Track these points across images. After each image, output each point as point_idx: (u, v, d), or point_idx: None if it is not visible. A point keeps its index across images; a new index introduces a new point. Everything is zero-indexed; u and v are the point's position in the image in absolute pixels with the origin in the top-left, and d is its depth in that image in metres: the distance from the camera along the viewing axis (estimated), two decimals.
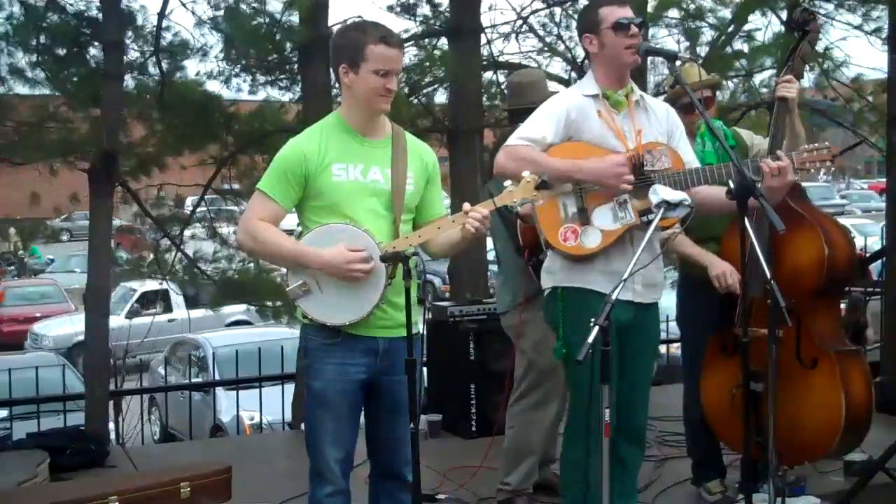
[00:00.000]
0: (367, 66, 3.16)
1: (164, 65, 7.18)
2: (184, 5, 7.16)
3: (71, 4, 6.90)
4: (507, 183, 3.20)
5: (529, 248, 4.29)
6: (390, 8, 8.47)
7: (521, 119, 4.49)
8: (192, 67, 7.62)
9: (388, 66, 3.17)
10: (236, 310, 16.08)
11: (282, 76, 7.74)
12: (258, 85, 7.70)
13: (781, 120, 4.04)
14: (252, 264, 7.87)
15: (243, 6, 6.95)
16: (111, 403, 7.19)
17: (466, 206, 3.15)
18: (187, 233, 8.19)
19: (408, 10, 8.51)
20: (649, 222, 3.38)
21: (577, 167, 3.43)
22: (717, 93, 4.68)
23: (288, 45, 7.17)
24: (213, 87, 7.62)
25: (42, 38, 6.77)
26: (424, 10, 8.53)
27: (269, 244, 3.23)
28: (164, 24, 7.10)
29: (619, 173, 3.40)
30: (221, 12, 7.03)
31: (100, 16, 6.70)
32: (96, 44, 6.80)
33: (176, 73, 7.40)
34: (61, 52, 6.85)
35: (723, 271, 4.12)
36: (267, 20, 7.00)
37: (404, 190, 3.26)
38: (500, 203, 3.15)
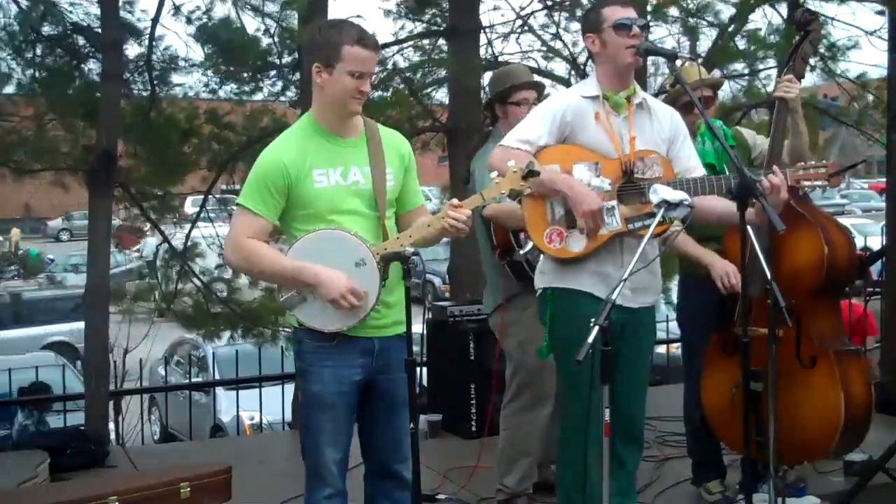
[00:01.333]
0: (342, 67, 3.13)
1: (154, 81, 7.22)
2: (177, 8, 7.19)
3: (70, 13, 6.93)
4: (493, 174, 3.19)
5: (501, 247, 4.29)
6: (389, 12, 8.46)
7: (494, 114, 4.51)
8: (183, 85, 7.67)
9: (363, 68, 3.14)
10: (55, 329, 15.75)
11: (275, 84, 7.77)
12: (247, 93, 7.73)
13: (782, 120, 4.04)
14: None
15: (236, 16, 6.99)
16: (111, 403, 7.19)
17: (455, 201, 3.15)
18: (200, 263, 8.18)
19: (407, 13, 8.49)
20: (636, 229, 3.38)
21: (562, 181, 3.40)
22: (719, 92, 4.67)
23: (281, 50, 7.19)
24: (204, 97, 7.67)
25: (38, 49, 6.80)
26: (425, 12, 8.52)
27: (260, 261, 3.19)
28: (157, 32, 7.15)
29: (591, 213, 3.34)
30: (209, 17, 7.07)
31: (94, 23, 6.73)
32: (92, 52, 6.83)
33: (165, 90, 7.43)
34: (57, 63, 6.88)
35: (726, 272, 4.11)
36: (263, 21, 7.04)
37: (386, 187, 3.24)
38: (488, 196, 3.13)
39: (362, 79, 3.15)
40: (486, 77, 8.51)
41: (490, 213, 4.03)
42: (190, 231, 8.10)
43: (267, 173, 3.18)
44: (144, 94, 7.31)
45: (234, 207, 3.31)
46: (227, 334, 8.04)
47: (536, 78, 4.87)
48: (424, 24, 8.51)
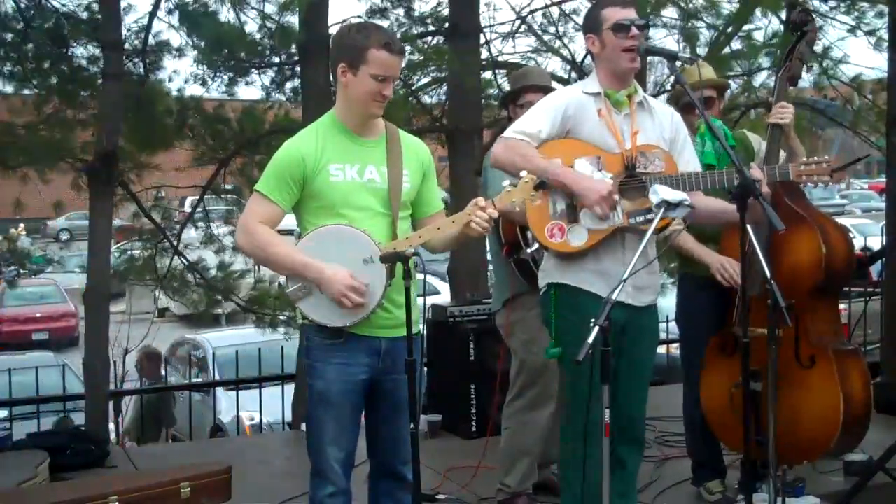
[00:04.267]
0: (366, 70, 3.17)
1: (148, 67, 7.23)
2: (178, 8, 7.19)
3: (63, 5, 6.93)
4: (506, 183, 3.20)
5: (509, 245, 4.29)
6: (372, 11, 8.43)
7: (510, 104, 4.51)
8: (177, 69, 7.71)
9: (387, 72, 3.18)
10: None
11: (268, 76, 7.78)
12: (241, 84, 7.76)
13: (775, 145, 4.06)
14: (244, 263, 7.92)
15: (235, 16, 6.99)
16: (111, 403, 7.19)
17: (481, 201, 3.16)
18: (186, 238, 8.18)
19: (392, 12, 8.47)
20: (638, 224, 3.38)
21: (567, 175, 3.40)
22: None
23: (276, 46, 7.19)
24: (196, 90, 7.70)
25: (30, 39, 6.81)
26: (418, 11, 8.51)
27: (269, 250, 3.23)
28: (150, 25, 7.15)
29: (602, 199, 3.34)
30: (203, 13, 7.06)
31: (85, 14, 6.73)
32: (81, 42, 6.83)
33: (158, 75, 7.47)
34: (46, 49, 6.87)
35: (721, 263, 4.12)
36: (264, 23, 7.04)
37: (401, 188, 3.27)
38: (499, 204, 3.16)
39: (385, 83, 3.19)
40: (485, 77, 8.56)
41: (503, 208, 4.01)
42: (183, 226, 8.10)
43: (284, 163, 3.23)
44: (137, 77, 7.31)
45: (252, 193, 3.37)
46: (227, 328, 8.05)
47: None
48: (418, 21, 8.50)
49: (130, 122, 7.34)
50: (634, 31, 3.41)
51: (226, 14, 7.00)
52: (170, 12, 7.16)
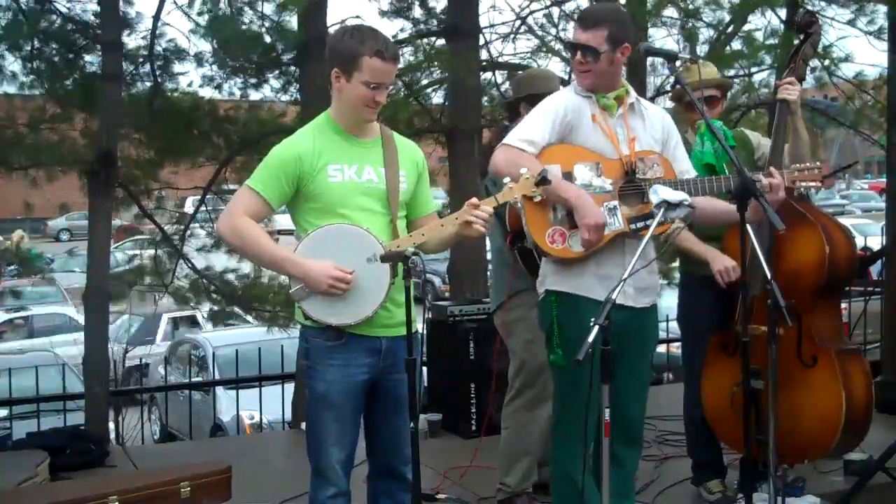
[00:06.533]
0: (359, 76, 3.17)
1: (157, 72, 7.22)
2: (183, 12, 7.20)
3: (68, 8, 6.93)
4: (507, 179, 3.20)
5: (514, 232, 4.27)
6: (384, 13, 8.43)
7: (515, 111, 4.50)
8: (186, 74, 7.69)
9: (380, 79, 3.18)
10: None
11: (278, 79, 7.76)
12: (251, 87, 7.74)
13: (782, 122, 4.05)
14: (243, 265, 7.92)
15: (237, 8, 6.98)
16: (111, 403, 7.19)
17: (474, 200, 3.16)
18: (194, 245, 8.17)
19: (401, 13, 8.47)
20: (638, 230, 3.37)
21: (571, 190, 3.38)
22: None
23: (282, 48, 7.19)
24: (206, 93, 7.69)
25: (36, 43, 6.80)
26: (418, 12, 8.51)
27: (250, 242, 3.21)
28: (159, 29, 7.16)
29: (595, 227, 3.32)
30: (213, 15, 7.06)
31: (93, 19, 6.73)
32: (91, 46, 6.83)
33: (168, 81, 7.45)
34: (55, 57, 6.87)
35: (725, 267, 4.12)
36: (262, 23, 7.03)
37: (399, 188, 3.27)
38: (502, 200, 3.16)
39: (378, 89, 3.18)
40: (485, 78, 8.57)
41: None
42: (187, 226, 8.11)
43: (280, 160, 3.21)
44: (147, 83, 7.31)
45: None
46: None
47: None
48: (421, 21, 8.50)
49: (147, 132, 7.36)
50: (578, 54, 3.44)
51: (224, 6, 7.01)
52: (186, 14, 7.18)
